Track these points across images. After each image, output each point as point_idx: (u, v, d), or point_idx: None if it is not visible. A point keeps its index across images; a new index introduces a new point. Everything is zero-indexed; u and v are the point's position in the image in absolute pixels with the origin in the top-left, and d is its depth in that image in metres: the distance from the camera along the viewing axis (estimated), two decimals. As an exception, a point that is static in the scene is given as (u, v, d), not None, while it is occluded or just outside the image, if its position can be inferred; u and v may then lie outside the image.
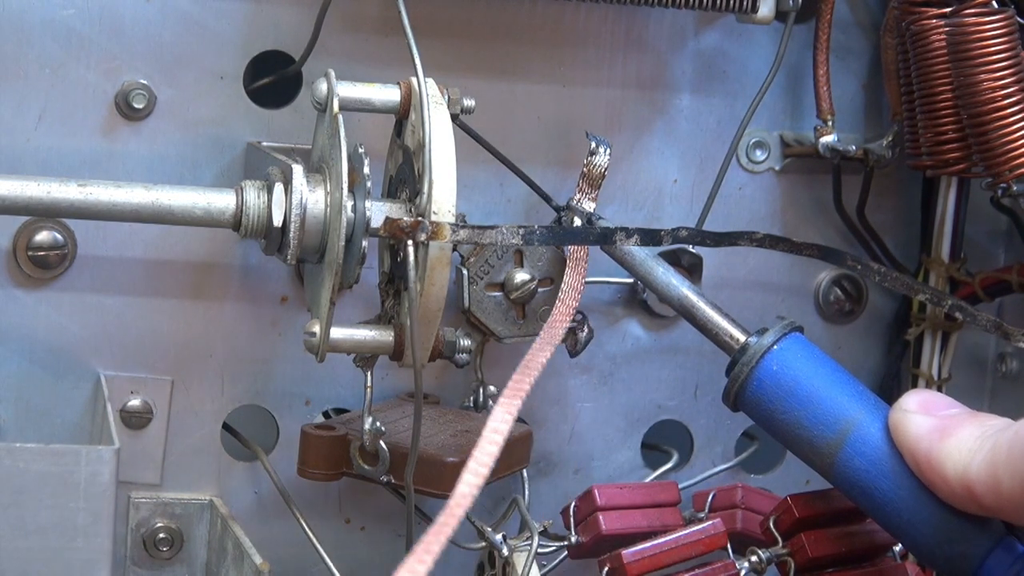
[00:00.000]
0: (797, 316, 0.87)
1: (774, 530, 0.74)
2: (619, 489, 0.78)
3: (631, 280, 0.84)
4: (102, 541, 0.65)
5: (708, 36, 0.85)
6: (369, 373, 0.75)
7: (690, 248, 0.85)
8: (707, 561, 0.74)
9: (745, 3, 0.79)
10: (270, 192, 0.71)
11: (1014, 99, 0.75)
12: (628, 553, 0.73)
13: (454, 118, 0.72)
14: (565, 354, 0.81)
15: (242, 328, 0.81)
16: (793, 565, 0.74)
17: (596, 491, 0.77)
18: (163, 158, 0.78)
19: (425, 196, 0.69)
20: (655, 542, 0.74)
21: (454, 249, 0.74)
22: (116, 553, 0.71)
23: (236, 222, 0.72)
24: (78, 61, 0.77)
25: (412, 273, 0.69)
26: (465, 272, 0.79)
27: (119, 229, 0.78)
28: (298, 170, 0.71)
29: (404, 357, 0.72)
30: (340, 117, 0.70)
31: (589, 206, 0.78)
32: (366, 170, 0.70)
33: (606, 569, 0.74)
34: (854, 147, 0.84)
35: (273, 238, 0.72)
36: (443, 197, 0.69)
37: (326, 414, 0.83)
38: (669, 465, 0.88)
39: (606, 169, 0.78)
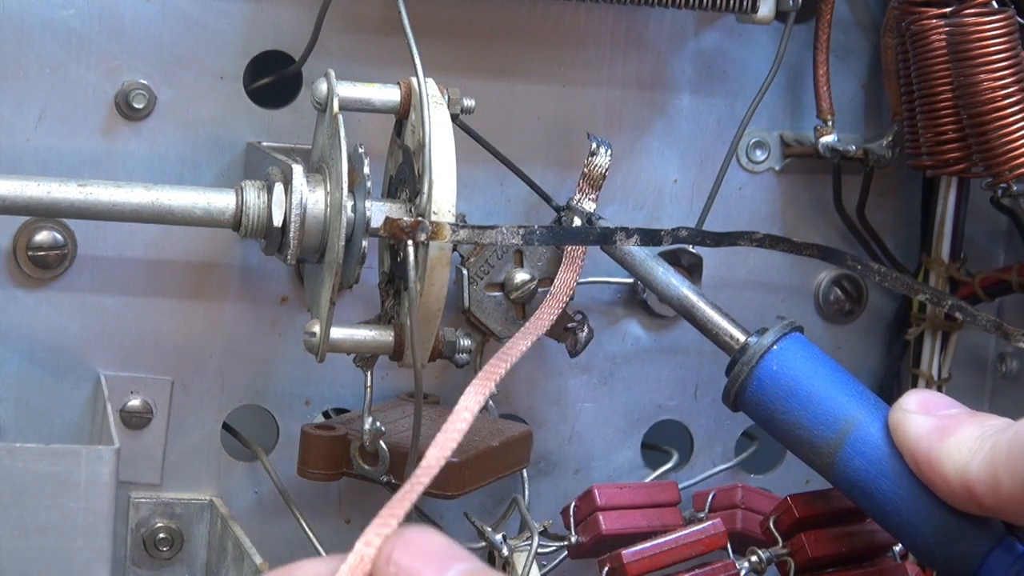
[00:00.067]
0: (797, 316, 0.87)
1: (774, 530, 0.74)
2: (619, 489, 0.78)
3: (631, 280, 0.84)
4: (102, 541, 0.65)
5: (708, 36, 0.85)
6: (369, 373, 0.75)
7: (690, 248, 0.85)
8: (707, 561, 0.74)
9: (745, 3, 0.79)
10: (270, 192, 0.71)
11: (1014, 99, 0.75)
12: (628, 553, 0.73)
13: (454, 118, 0.72)
14: (565, 354, 0.81)
15: (242, 328, 0.81)
16: (793, 565, 0.74)
17: (596, 491, 0.77)
18: (163, 158, 0.78)
19: (425, 196, 0.69)
20: (655, 542, 0.74)
21: (454, 249, 0.74)
22: (116, 553, 0.71)
23: (236, 222, 0.72)
24: (78, 61, 0.77)
25: (412, 273, 0.69)
26: (465, 272, 0.79)
27: (119, 229, 0.78)
28: (298, 170, 0.71)
29: (404, 357, 0.72)
30: (340, 117, 0.70)
31: (589, 206, 0.78)
32: (366, 170, 0.70)
33: (606, 569, 0.74)
34: (854, 147, 0.84)
35: (273, 238, 0.72)
36: (443, 197, 0.69)
37: (326, 414, 0.83)
38: (669, 465, 0.88)
39: (607, 170, 0.78)
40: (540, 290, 0.79)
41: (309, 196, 0.71)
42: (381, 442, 0.75)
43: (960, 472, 0.65)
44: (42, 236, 0.78)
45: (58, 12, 0.76)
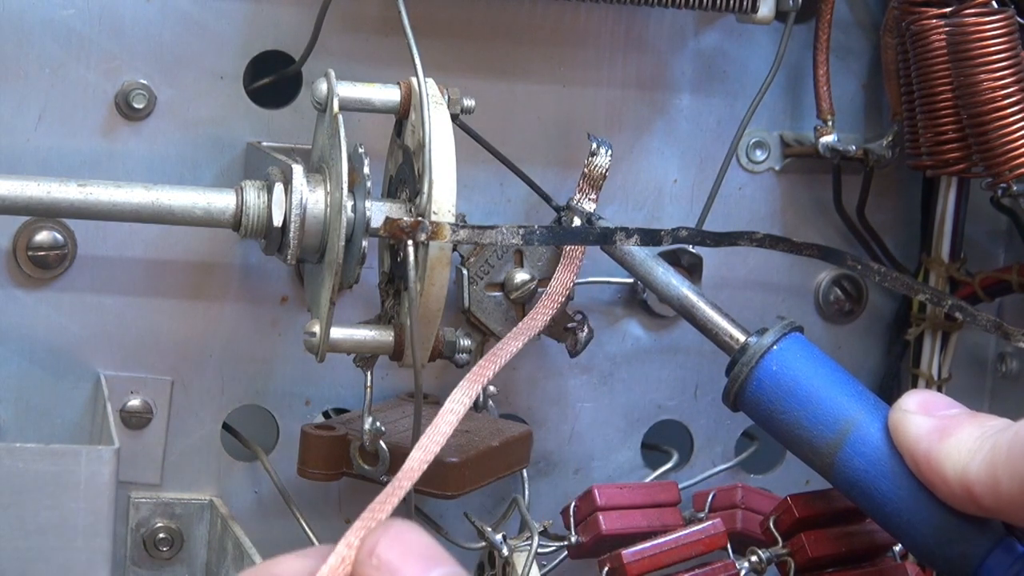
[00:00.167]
0: (797, 316, 0.87)
1: (774, 530, 0.74)
2: (619, 489, 0.78)
3: (631, 280, 0.84)
4: (102, 541, 0.65)
5: (708, 36, 0.85)
6: (369, 373, 0.75)
7: (690, 248, 0.85)
8: (707, 561, 0.74)
9: (745, 3, 0.79)
10: (270, 192, 0.71)
11: (1014, 99, 0.75)
12: (628, 553, 0.73)
13: (454, 118, 0.72)
14: (565, 354, 0.81)
15: (242, 328, 0.81)
16: (793, 565, 0.74)
17: (596, 491, 0.77)
18: (163, 158, 0.78)
19: (425, 196, 0.69)
20: (655, 542, 0.74)
21: (454, 249, 0.74)
22: (116, 553, 0.71)
23: (236, 222, 0.72)
24: (78, 61, 0.77)
25: (412, 273, 0.69)
26: (465, 272, 0.79)
27: (119, 229, 0.78)
28: (298, 170, 0.71)
29: (404, 357, 0.72)
30: (340, 117, 0.70)
31: (589, 206, 0.78)
32: (366, 170, 0.70)
33: (606, 569, 0.74)
34: (854, 147, 0.84)
35: (273, 238, 0.72)
36: (443, 197, 0.69)
37: (326, 414, 0.83)
38: (669, 465, 0.88)
39: (607, 170, 0.78)
40: (540, 290, 0.79)
41: (309, 196, 0.71)
42: (381, 442, 0.75)
43: (960, 472, 0.65)
44: (42, 236, 0.78)
45: (58, 12, 0.76)
